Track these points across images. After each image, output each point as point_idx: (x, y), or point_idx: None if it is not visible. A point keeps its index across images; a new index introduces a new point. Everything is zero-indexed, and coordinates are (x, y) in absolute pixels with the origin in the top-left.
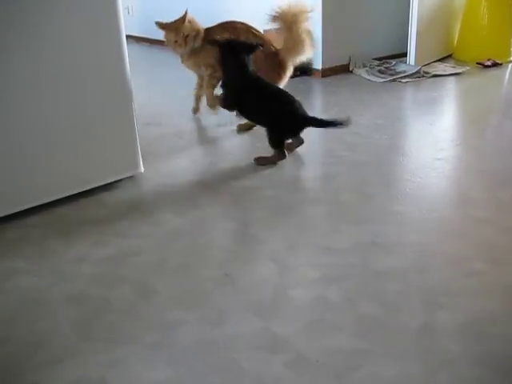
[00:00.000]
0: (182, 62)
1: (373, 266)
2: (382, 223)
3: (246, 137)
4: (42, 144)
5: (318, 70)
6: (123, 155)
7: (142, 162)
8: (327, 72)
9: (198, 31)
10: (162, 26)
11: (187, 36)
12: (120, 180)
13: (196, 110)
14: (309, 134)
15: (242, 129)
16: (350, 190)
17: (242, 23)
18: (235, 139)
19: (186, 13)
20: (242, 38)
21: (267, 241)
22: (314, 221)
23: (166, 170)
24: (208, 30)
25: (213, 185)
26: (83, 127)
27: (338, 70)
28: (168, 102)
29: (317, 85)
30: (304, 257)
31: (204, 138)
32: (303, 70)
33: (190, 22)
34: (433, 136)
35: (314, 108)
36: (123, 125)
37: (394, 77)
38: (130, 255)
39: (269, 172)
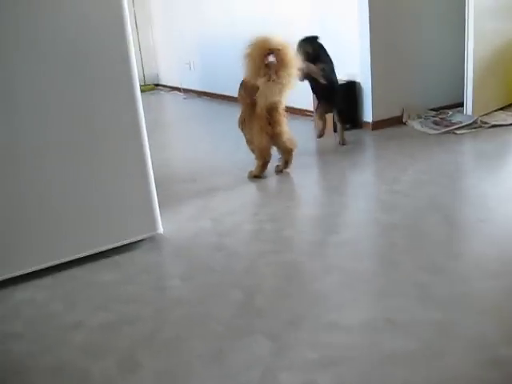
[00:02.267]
0: None
1: (380, 347)
2: (403, 297)
3: (281, 196)
4: (55, 205)
5: (368, 123)
6: (139, 217)
7: (160, 223)
8: (378, 124)
9: None
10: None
11: None
12: (139, 241)
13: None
14: (343, 190)
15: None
16: (374, 257)
17: None
18: (265, 197)
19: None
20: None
21: (269, 314)
22: (325, 292)
23: (188, 231)
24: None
25: (230, 248)
26: (97, 188)
27: (390, 122)
28: (211, 158)
29: (366, 138)
30: (305, 334)
31: (234, 195)
32: (353, 123)
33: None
34: (480, 193)
35: (358, 162)
36: (139, 186)
37: (449, 128)
38: (125, 323)
39: (290, 235)
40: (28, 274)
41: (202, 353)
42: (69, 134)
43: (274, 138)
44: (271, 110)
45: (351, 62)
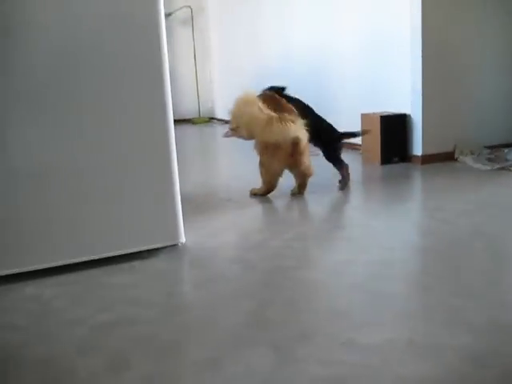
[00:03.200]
0: None
1: (397, 369)
2: (430, 319)
3: (315, 217)
4: (80, 205)
5: (417, 157)
6: (161, 225)
7: (183, 233)
8: (428, 159)
9: None
10: None
11: None
12: (160, 249)
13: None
14: (381, 215)
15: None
16: (404, 280)
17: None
18: (298, 218)
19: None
20: None
21: (280, 327)
22: (346, 310)
23: (212, 243)
24: None
25: (250, 262)
26: (121, 194)
27: (440, 157)
28: (250, 180)
29: (413, 171)
30: (316, 349)
31: (265, 214)
32: (401, 156)
33: None
34: None
35: (402, 191)
36: (163, 196)
37: (503, 164)
38: (126, 324)
39: (318, 254)
40: (42, 270)
41: (197, 360)
42: (99, 146)
43: (293, 166)
44: (294, 144)
45: (401, 94)
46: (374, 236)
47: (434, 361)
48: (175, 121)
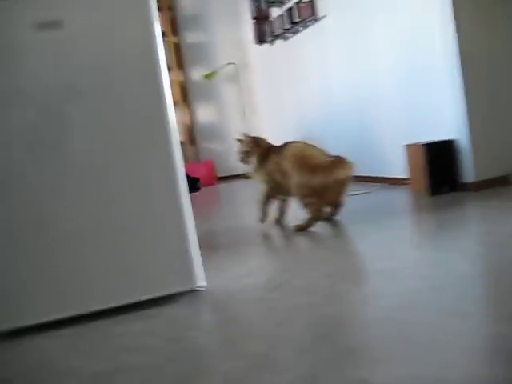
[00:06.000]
0: None
1: None
2: (461, 353)
3: (347, 251)
4: (87, 254)
5: (468, 184)
6: (176, 270)
7: (201, 277)
8: (479, 185)
9: None
10: None
11: None
12: (178, 294)
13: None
14: (422, 245)
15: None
16: (437, 308)
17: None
18: (326, 254)
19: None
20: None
21: (287, 368)
22: (362, 346)
23: (234, 287)
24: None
25: (271, 301)
26: (132, 240)
27: (494, 183)
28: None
29: (464, 199)
30: None
31: (291, 254)
32: (450, 185)
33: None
34: None
35: (450, 219)
36: (177, 240)
37: None
38: (120, 373)
39: (343, 288)
40: (52, 322)
41: None
42: (104, 184)
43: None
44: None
45: (444, 119)
46: (409, 266)
47: None
48: (227, 177)
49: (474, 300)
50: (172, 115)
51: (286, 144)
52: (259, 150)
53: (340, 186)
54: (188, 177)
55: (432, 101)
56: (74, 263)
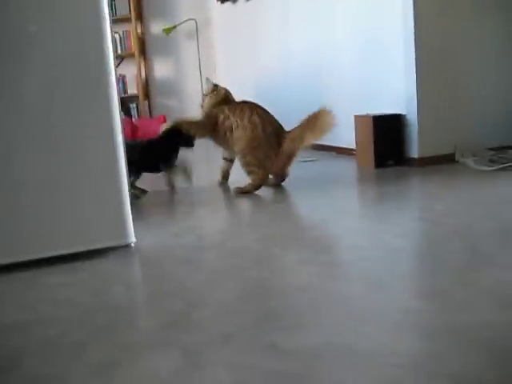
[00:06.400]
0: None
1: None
2: (376, 325)
3: (283, 216)
4: (15, 202)
5: (414, 159)
6: (107, 224)
7: (132, 233)
8: (425, 161)
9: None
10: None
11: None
12: (108, 249)
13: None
14: (360, 214)
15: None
16: (363, 280)
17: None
18: (269, 219)
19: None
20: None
21: (202, 329)
22: (282, 311)
23: (167, 244)
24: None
25: (200, 262)
26: (64, 191)
27: (439, 160)
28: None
29: (408, 173)
30: (229, 353)
31: (231, 215)
32: (396, 159)
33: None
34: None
35: (390, 192)
36: (110, 194)
37: (505, 165)
38: (38, 325)
39: (275, 253)
40: None
41: (97, 362)
42: (45, 132)
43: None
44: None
45: (395, 93)
46: (342, 236)
47: (369, 369)
48: None
49: (399, 274)
50: (112, 66)
51: (245, 103)
52: (218, 96)
53: (289, 158)
54: (184, 134)
55: (385, 74)
56: (4, 211)
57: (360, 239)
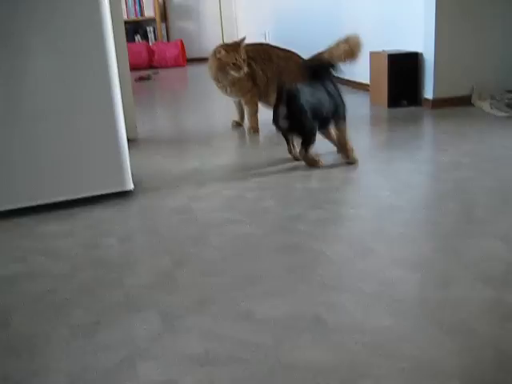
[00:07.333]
0: (227, 92)
1: (282, 353)
2: (349, 294)
3: (283, 164)
4: (12, 150)
5: (428, 100)
6: (104, 171)
7: (130, 180)
8: (440, 103)
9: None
10: (223, 47)
11: (244, 60)
12: (106, 196)
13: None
14: (360, 166)
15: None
16: (348, 242)
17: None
18: (268, 164)
19: (243, 38)
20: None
21: (184, 292)
22: (265, 274)
23: (164, 192)
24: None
25: (194, 213)
26: (64, 138)
27: (454, 102)
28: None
29: (421, 115)
30: (206, 320)
31: (230, 160)
32: (411, 99)
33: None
34: None
35: (397, 138)
36: (108, 141)
37: None
38: (27, 278)
39: (268, 206)
40: None
41: (77, 323)
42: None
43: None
44: None
45: (413, 31)
46: (338, 190)
47: (333, 346)
48: (200, 59)
49: (385, 238)
50: (107, 15)
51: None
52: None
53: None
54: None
55: (404, 11)
56: (3, 159)
57: (354, 194)
